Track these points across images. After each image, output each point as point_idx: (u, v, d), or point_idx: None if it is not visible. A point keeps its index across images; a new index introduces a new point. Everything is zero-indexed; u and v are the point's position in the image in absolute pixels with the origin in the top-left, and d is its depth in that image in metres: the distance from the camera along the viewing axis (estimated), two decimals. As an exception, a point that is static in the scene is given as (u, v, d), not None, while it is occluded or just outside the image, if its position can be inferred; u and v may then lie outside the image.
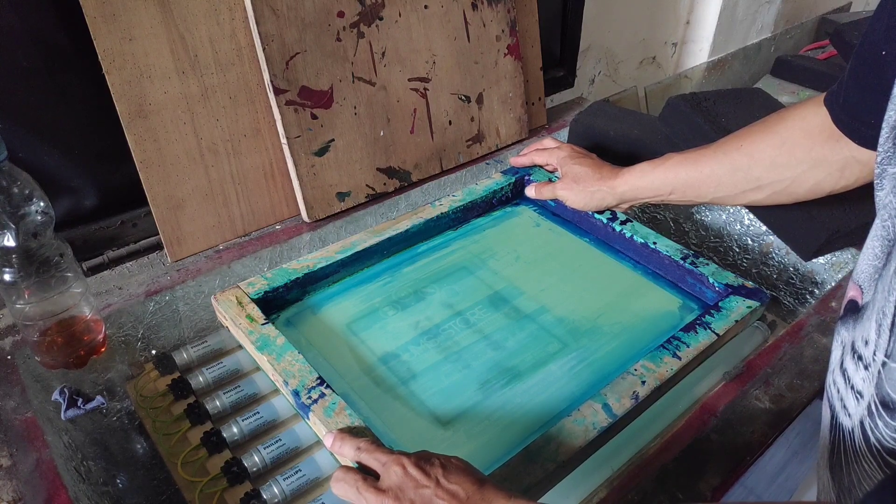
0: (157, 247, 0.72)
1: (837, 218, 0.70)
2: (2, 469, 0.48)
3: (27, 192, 0.51)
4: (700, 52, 1.41)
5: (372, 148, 0.78)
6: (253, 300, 0.63)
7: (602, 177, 0.72)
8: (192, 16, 0.65)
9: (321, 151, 0.73)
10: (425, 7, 0.79)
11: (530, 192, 0.81)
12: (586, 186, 0.73)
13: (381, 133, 0.78)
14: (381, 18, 0.75)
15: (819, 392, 0.57)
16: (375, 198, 0.81)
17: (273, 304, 0.65)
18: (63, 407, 0.55)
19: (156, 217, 0.68)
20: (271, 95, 0.70)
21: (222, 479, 0.53)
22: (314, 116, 0.72)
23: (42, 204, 0.52)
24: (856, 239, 0.72)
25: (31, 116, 0.63)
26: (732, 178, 0.63)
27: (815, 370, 0.58)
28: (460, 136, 0.87)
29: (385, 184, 0.80)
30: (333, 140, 0.74)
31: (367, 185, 0.78)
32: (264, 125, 0.72)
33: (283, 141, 0.72)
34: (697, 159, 0.66)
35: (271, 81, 0.69)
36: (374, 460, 0.45)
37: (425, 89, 0.81)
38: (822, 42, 1.51)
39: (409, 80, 0.79)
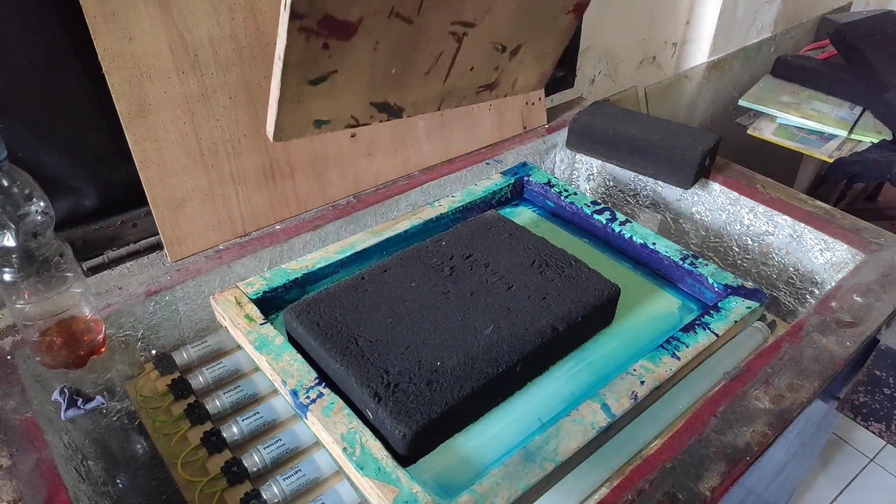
0: (157, 247, 0.72)
1: (699, 145, 0.82)
2: (2, 469, 0.48)
3: (27, 192, 0.51)
4: (700, 52, 1.41)
5: (376, 84, 0.67)
6: (252, 300, 0.63)
7: None
8: (192, 16, 0.65)
9: (317, 81, 0.62)
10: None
11: None
12: None
13: (393, 71, 0.67)
14: None
15: (819, 392, 0.57)
16: (355, 127, 0.71)
17: (272, 304, 0.65)
18: (63, 407, 0.55)
19: (156, 217, 0.68)
20: (284, 15, 0.57)
21: (222, 479, 0.53)
22: (325, 46, 0.60)
23: (42, 204, 0.52)
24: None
25: (31, 116, 0.63)
26: None
27: (815, 370, 0.58)
28: (475, 83, 0.77)
29: (371, 116, 0.70)
30: (336, 72, 0.63)
31: (351, 116, 0.68)
32: (264, 125, 0.72)
33: (278, 61, 0.59)
34: None
35: (292, 2, 0.56)
36: None
37: (464, 34, 0.69)
38: (822, 42, 1.51)
39: (452, 23, 0.67)
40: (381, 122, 0.71)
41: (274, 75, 0.60)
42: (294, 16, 0.56)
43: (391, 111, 0.70)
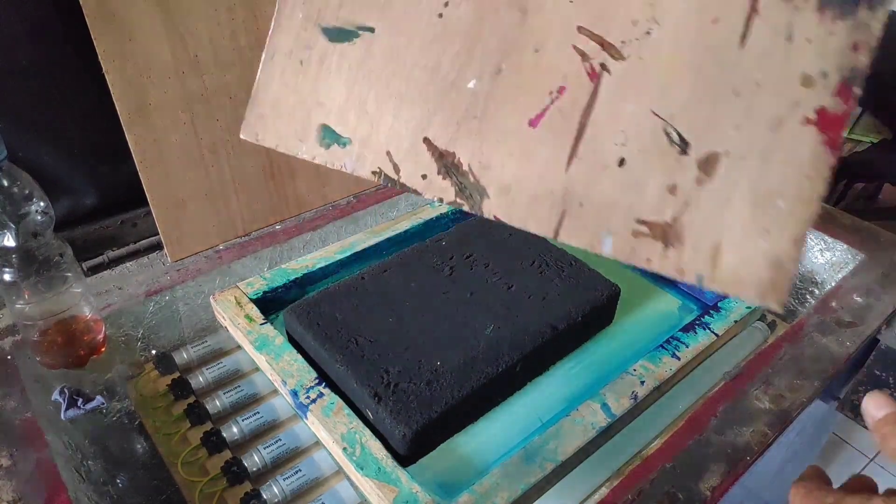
0: (157, 247, 0.72)
1: None
2: (2, 469, 0.48)
3: (27, 191, 0.51)
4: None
5: (439, 97, 0.35)
6: (252, 300, 0.63)
7: None
8: (192, 16, 0.65)
9: (339, 35, 0.35)
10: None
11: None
12: None
13: (472, 84, 0.35)
14: None
15: (819, 392, 0.57)
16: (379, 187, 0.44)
17: (272, 304, 0.65)
18: (63, 407, 0.55)
19: (156, 217, 0.68)
20: None
21: (222, 479, 0.53)
22: None
23: (42, 204, 0.52)
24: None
25: (31, 116, 0.63)
26: None
27: (815, 370, 0.58)
28: (627, 202, 0.35)
29: (424, 176, 0.35)
30: (373, 31, 0.35)
31: (387, 153, 0.35)
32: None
33: None
34: None
35: None
36: None
37: (603, 67, 0.35)
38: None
39: (580, 29, 0.35)
40: (438, 200, 0.36)
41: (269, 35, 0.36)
42: None
43: (458, 177, 0.35)
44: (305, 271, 0.67)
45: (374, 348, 0.56)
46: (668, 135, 0.36)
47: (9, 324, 0.61)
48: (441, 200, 0.35)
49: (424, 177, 0.35)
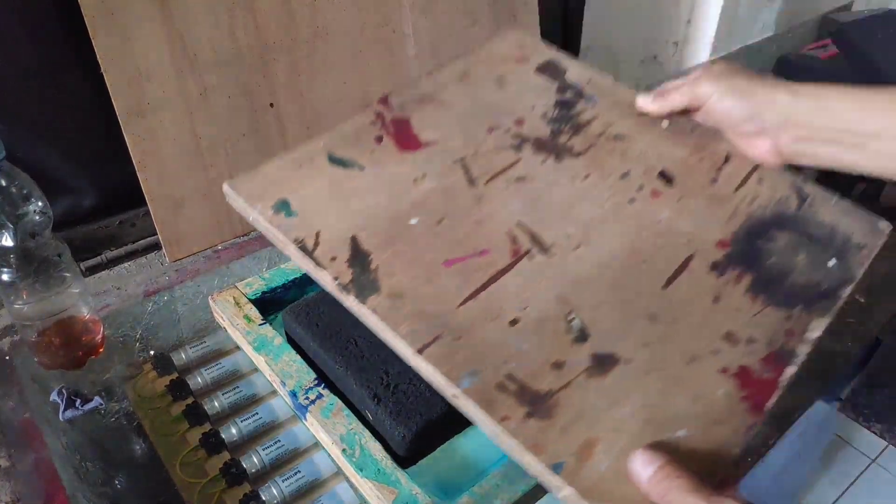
0: (156, 247, 0.72)
1: None
2: (0, 470, 0.48)
3: (25, 191, 0.51)
4: (702, 51, 1.41)
5: (383, 218, 0.42)
6: (250, 300, 0.63)
7: (764, 83, 0.45)
8: (191, 15, 0.64)
9: (338, 162, 0.45)
10: (623, 175, 0.46)
11: (646, 102, 0.51)
12: (742, 84, 0.45)
13: (413, 221, 0.42)
14: (562, 152, 0.47)
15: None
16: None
17: (271, 304, 0.65)
18: (61, 407, 0.55)
19: (154, 217, 0.68)
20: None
21: (221, 480, 0.52)
22: (378, 140, 0.46)
23: (40, 204, 0.52)
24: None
25: (30, 116, 0.63)
26: None
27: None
28: (504, 356, 0.36)
29: (334, 258, 0.40)
30: (363, 169, 0.44)
31: (316, 233, 0.41)
32: (263, 125, 0.72)
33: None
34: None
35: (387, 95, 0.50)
36: None
37: (527, 252, 0.41)
38: (824, 41, 1.51)
39: (519, 223, 0.42)
40: (334, 278, 0.39)
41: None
42: (382, 98, 0.49)
43: (361, 271, 0.39)
44: (304, 271, 0.67)
45: (373, 349, 0.55)
46: (568, 320, 0.38)
47: (7, 324, 0.61)
48: (336, 279, 0.39)
49: (333, 259, 0.40)
